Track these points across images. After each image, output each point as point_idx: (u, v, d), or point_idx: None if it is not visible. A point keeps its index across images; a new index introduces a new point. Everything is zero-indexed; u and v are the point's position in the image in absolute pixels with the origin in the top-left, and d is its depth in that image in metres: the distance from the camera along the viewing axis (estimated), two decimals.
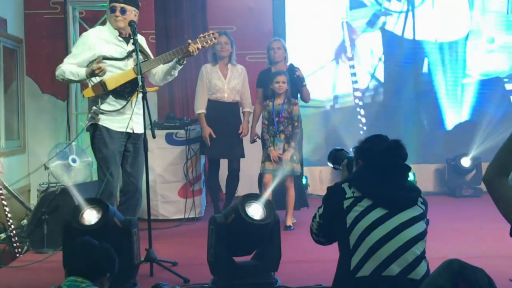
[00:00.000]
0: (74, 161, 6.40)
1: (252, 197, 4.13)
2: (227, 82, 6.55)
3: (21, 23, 7.41)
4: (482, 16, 8.29)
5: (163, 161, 6.80)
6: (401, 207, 3.00)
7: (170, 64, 4.95)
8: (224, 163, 6.73)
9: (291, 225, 6.26)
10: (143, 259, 4.51)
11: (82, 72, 4.71)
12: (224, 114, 6.50)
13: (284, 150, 6.16)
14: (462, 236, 5.76)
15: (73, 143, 6.56)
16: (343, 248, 3.00)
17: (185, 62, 4.96)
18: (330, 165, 3.59)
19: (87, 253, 3.07)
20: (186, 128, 6.77)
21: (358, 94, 8.25)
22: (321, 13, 8.16)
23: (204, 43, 4.94)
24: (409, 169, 3.14)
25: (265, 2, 8.16)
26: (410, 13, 8.22)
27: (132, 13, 4.84)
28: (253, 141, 6.62)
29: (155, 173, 6.75)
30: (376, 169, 3.06)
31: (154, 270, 4.53)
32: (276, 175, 5.99)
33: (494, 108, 8.19)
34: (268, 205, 4.10)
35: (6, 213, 5.77)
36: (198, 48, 4.86)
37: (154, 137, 4.53)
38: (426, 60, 8.31)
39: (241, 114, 6.69)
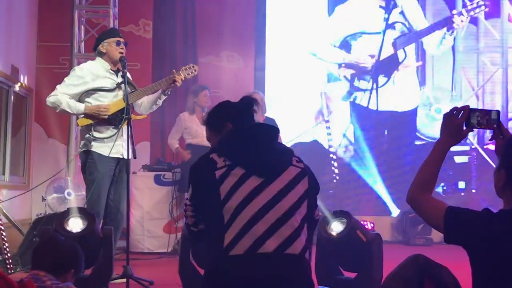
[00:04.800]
0: (69, 194, 6.08)
1: None
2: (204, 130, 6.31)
3: (33, 74, 7.22)
4: (432, 91, 8.29)
5: (151, 199, 6.51)
6: (277, 173, 2.35)
7: (156, 94, 4.64)
8: None
9: None
10: (120, 275, 4.12)
11: (81, 107, 4.42)
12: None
13: None
14: None
15: (69, 178, 6.24)
16: (215, 222, 2.31)
17: (169, 93, 4.66)
18: None
19: (52, 247, 2.71)
20: (172, 170, 6.50)
21: (333, 149, 8.22)
22: (303, 84, 8.22)
23: (186, 75, 4.64)
24: (277, 130, 2.52)
25: (248, 71, 8.05)
26: (374, 91, 8.24)
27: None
28: None
29: (143, 210, 6.49)
30: (245, 133, 2.44)
31: None
32: None
33: None
34: None
35: (3, 237, 5.38)
36: (181, 79, 4.57)
37: (135, 157, 4.25)
38: (386, 125, 8.25)
39: None
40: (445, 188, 8.11)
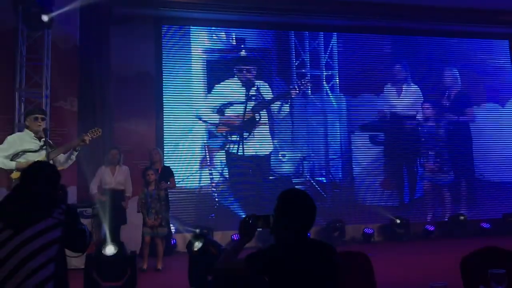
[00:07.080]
0: None
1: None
2: (114, 178, 7.65)
3: None
4: (279, 142, 10.43)
5: None
6: (26, 224, 2.38)
7: (68, 152, 5.44)
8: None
9: (160, 268, 7.13)
10: None
11: (12, 164, 5.20)
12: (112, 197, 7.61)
13: (155, 219, 7.02)
14: None
15: None
16: None
17: (79, 149, 5.50)
18: None
19: None
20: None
21: (214, 185, 9.83)
22: (191, 140, 9.91)
23: (93, 135, 5.57)
24: (47, 188, 2.55)
25: (150, 132, 9.64)
26: (241, 142, 10.18)
27: (45, 120, 5.50)
28: (139, 210, 7.42)
29: None
30: (13, 192, 2.55)
31: None
32: (152, 235, 7.06)
33: None
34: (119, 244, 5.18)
35: None
36: (89, 139, 5.47)
37: None
38: (250, 166, 10.18)
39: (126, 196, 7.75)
40: None
